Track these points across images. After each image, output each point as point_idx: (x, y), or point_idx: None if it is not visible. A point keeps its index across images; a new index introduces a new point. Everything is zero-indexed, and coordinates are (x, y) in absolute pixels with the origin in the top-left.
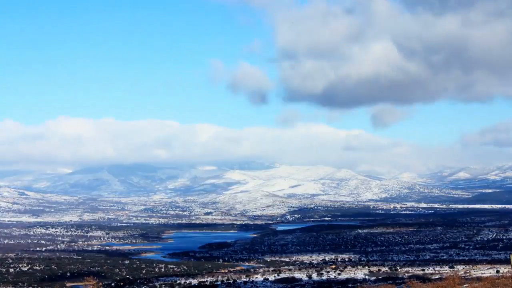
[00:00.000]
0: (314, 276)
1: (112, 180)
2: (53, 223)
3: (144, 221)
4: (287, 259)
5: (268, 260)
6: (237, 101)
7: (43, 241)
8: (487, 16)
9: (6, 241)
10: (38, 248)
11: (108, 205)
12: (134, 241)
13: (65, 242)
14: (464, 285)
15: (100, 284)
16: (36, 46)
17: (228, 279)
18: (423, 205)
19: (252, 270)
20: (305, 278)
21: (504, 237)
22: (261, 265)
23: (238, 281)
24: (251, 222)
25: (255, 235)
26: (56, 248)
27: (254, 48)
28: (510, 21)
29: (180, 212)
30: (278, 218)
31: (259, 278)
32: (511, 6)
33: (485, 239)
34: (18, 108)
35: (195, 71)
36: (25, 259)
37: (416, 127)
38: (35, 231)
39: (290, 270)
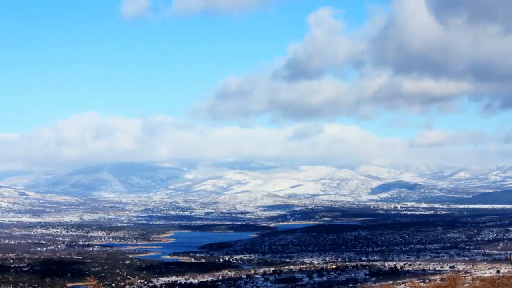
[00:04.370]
0: (315, 276)
1: (112, 180)
2: (54, 223)
3: (144, 221)
4: (287, 259)
5: (269, 260)
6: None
7: (43, 241)
8: None
9: (6, 241)
10: (38, 248)
11: (109, 205)
12: (135, 241)
13: (66, 242)
14: (465, 285)
15: (101, 284)
16: (28, 46)
17: (228, 279)
18: (424, 205)
19: (252, 270)
20: (305, 278)
21: (505, 237)
22: (262, 265)
23: (239, 281)
24: (251, 222)
25: (256, 235)
26: (56, 248)
27: None
28: None
29: (181, 212)
30: (279, 218)
31: (260, 278)
32: None
33: (485, 239)
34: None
35: (196, 69)
36: (25, 259)
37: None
38: (36, 231)
39: (290, 270)
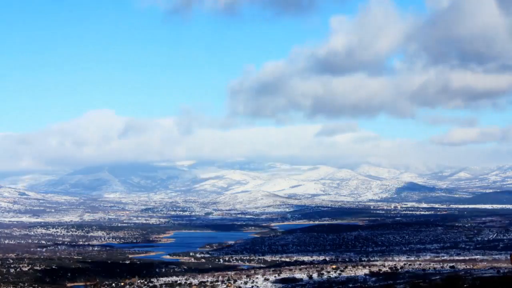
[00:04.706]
0: (315, 276)
1: (112, 180)
2: (54, 223)
3: (144, 221)
4: (287, 259)
5: (269, 260)
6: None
7: (43, 241)
8: None
9: (6, 241)
10: (38, 248)
11: (109, 205)
12: (135, 241)
13: (66, 242)
14: (465, 285)
15: (101, 284)
16: (34, 49)
17: (228, 279)
18: (424, 205)
19: (252, 270)
20: (305, 278)
21: (505, 237)
22: (262, 265)
23: (239, 281)
24: (251, 222)
25: (256, 235)
26: (56, 248)
27: None
28: None
29: (181, 212)
30: (279, 218)
31: (260, 278)
32: None
33: (485, 239)
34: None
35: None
36: (25, 259)
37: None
38: (36, 231)
39: (290, 270)
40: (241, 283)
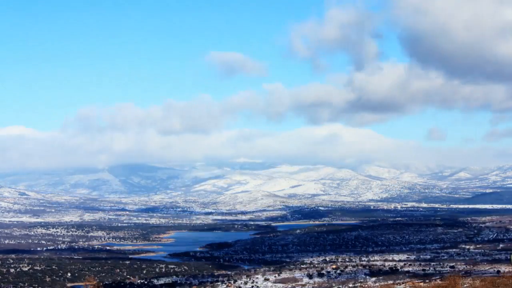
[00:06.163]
0: (315, 276)
1: (112, 180)
2: (54, 223)
3: (144, 221)
4: (287, 259)
5: (269, 260)
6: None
7: (43, 241)
8: None
9: (6, 241)
10: (38, 248)
11: (109, 205)
12: (135, 241)
13: (66, 242)
14: (465, 285)
15: (101, 284)
16: (29, 43)
17: (228, 279)
18: (424, 205)
19: (252, 270)
20: (305, 278)
21: (505, 237)
22: (262, 265)
23: (239, 281)
24: (251, 222)
25: (256, 235)
26: (56, 248)
27: None
28: None
29: (181, 212)
30: (279, 218)
31: (260, 278)
32: None
33: (485, 239)
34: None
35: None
36: (25, 259)
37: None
38: (36, 231)
39: (290, 270)
40: (241, 283)
